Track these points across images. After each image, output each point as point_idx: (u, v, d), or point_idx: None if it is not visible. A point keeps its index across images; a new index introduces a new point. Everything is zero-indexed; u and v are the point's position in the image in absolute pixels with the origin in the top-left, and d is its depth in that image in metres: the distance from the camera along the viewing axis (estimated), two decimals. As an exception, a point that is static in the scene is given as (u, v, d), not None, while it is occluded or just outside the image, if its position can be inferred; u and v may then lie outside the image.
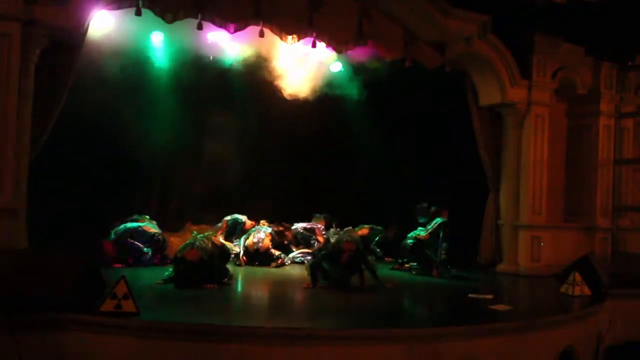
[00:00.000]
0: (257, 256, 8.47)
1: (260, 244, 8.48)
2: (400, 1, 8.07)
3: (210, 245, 6.63)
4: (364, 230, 9.51)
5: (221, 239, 8.59)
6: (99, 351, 4.61)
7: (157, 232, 8.19)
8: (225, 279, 6.69)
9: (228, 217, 9.30)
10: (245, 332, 4.62)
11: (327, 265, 6.77)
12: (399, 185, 9.96)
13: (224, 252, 7.18)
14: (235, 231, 9.18)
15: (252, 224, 9.17)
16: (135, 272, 7.01)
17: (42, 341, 4.56)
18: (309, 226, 9.49)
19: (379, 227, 9.86)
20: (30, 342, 4.51)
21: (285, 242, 9.21)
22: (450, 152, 9.56)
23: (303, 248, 9.13)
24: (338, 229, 7.60)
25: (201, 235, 6.84)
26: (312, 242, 9.17)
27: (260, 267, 8.34)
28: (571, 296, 6.70)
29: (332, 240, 6.85)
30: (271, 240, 8.75)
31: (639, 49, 9.37)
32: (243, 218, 9.29)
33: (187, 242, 6.68)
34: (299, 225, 9.47)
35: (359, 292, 6.60)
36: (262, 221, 9.17)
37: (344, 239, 6.70)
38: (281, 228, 9.14)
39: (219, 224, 9.23)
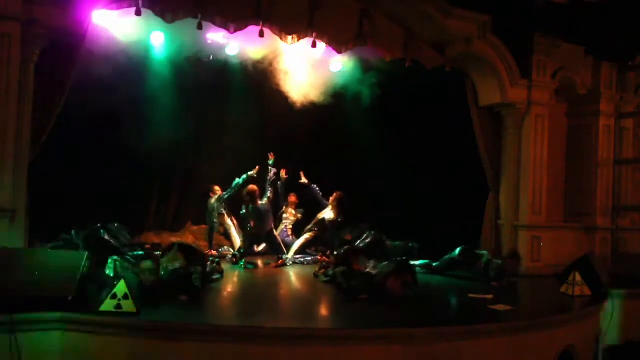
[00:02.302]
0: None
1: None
2: (400, 1, 8.06)
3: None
4: None
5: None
6: (99, 351, 4.62)
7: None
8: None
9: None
10: (245, 332, 4.63)
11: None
12: (399, 185, 9.95)
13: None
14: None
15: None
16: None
17: (42, 341, 4.58)
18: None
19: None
20: (30, 341, 4.52)
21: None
22: (450, 152, 9.55)
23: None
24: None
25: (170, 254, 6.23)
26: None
27: (263, 265, 8.36)
28: (571, 296, 6.71)
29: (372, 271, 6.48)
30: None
31: (639, 49, 9.37)
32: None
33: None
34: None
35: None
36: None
37: (390, 276, 6.26)
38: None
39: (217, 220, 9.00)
